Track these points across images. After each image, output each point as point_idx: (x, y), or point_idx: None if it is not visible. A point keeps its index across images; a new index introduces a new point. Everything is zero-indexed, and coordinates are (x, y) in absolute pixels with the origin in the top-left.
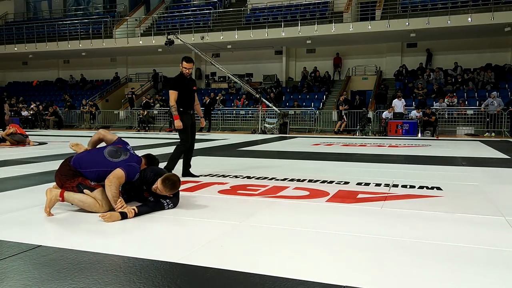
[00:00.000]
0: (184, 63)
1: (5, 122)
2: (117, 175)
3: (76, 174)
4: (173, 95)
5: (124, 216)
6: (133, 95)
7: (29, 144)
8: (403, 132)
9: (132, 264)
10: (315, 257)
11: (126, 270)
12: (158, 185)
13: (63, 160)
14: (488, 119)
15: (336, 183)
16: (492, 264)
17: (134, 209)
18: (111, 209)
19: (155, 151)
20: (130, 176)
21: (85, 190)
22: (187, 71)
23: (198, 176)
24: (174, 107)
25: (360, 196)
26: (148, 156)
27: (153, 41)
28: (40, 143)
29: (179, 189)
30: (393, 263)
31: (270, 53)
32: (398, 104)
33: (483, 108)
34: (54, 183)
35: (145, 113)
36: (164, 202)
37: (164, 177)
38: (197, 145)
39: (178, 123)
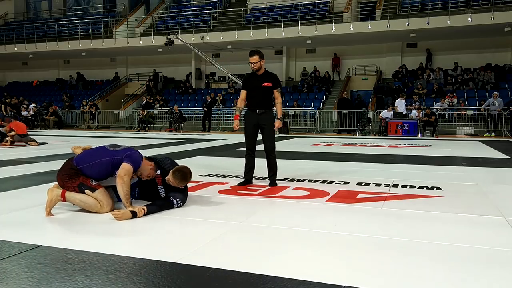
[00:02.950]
0: (248, 58)
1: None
2: (126, 169)
3: (77, 174)
4: (240, 95)
5: (134, 215)
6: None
7: (29, 143)
8: (403, 132)
9: (132, 264)
10: (315, 257)
11: (126, 270)
12: (169, 176)
13: (65, 161)
14: (489, 119)
15: (336, 183)
16: (492, 264)
17: (143, 209)
18: (113, 209)
19: (154, 151)
20: (136, 165)
21: (86, 191)
22: (252, 65)
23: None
24: (236, 107)
25: (360, 196)
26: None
27: (153, 41)
28: (40, 143)
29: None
30: (393, 263)
31: (270, 53)
32: (401, 104)
33: (483, 108)
34: (55, 183)
35: (145, 113)
36: (174, 201)
37: (175, 168)
38: (197, 145)
39: (233, 124)
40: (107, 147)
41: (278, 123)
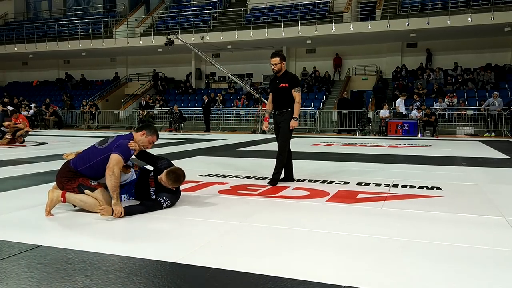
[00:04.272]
0: (270, 59)
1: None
2: (115, 160)
3: (76, 175)
4: (268, 98)
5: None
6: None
7: (20, 139)
8: (403, 132)
9: (132, 264)
10: (315, 257)
11: (126, 270)
12: (163, 176)
13: (63, 163)
14: (488, 119)
15: (336, 183)
16: (492, 264)
17: (121, 212)
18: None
19: (154, 151)
20: (126, 155)
21: (86, 191)
22: (273, 67)
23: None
24: (264, 109)
25: (360, 196)
26: (142, 125)
27: (153, 41)
28: (40, 143)
29: (181, 188)
30: (393, 263)
31: (270, 53)
32: (402, 104)
33: (483, 108)
34: (55, 183)
35: (145, 113)
36: (161, 199)
37: (170, 169)
38: (197, 145)
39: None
40: (97, 146)
41: (292, 123)
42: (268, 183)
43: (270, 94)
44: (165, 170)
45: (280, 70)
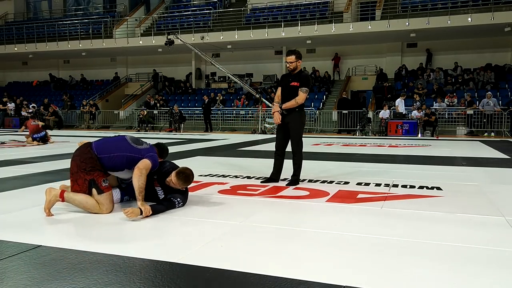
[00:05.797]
0: (286, 57)
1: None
2: (147, 165)
3: (96, 164)
4: (277, 92)
5: (141, 212)
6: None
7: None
8: (403, 132)
9: (132, 264)
10: (315, 257)
11: (126, 270)
12: (172, 177)
13: (81, 145)
14: (485, 120)
15: (336, 183)
16: (492, 264)
17: (149, 211)
18: (110, 212)
19: None
20: (154, 168)
21: (93, 189)
22: (288, 65)
23: (277, 181)
24: (274, 102)
25: (360, 196)
26: (158, 145)
27: (153, 41)
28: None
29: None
30: (393, 263)
31: (270, 53)
32: (402, 104)
33: (482, 108)
34: (53, 183)
35: (145, 113)
36: (175, 201)
37: (178, 170)
38: (197, 145)
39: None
40: (130, 141)
41: (274, 108)
42: (286, 184)
43: (279, 88)
44: (173, 172)
45: (295, 69)
